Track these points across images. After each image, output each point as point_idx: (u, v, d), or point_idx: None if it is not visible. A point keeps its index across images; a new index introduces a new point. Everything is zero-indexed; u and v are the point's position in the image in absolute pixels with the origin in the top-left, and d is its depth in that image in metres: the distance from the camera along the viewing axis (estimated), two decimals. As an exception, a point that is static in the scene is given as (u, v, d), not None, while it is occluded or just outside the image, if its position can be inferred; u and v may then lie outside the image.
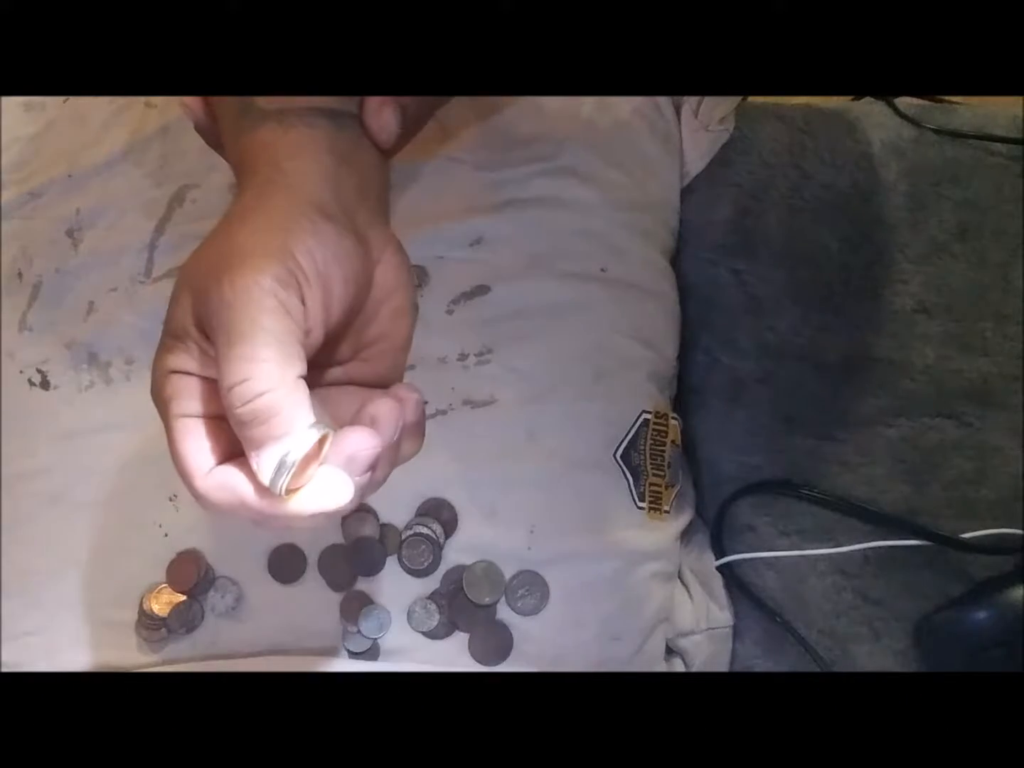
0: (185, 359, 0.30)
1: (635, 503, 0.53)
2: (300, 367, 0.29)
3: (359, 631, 0.50)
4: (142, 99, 0.60)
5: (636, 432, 0.53)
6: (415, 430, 0.33)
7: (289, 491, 0.28)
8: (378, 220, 0.34)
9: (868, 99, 0.62)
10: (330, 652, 0.50)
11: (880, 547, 0.53)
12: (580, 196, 0.56)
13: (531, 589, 0.51)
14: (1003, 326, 0.57)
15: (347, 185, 0.33)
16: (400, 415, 0.30)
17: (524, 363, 0.53)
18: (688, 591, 0.56)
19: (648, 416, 0.54)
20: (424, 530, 0.50)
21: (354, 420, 0.30)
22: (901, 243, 0.58)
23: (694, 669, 0.55)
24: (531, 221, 0.55)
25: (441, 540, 0.51)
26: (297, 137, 0.33)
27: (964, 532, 0.53)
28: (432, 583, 0.51)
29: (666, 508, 0.54)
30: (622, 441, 0.53)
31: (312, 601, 0.51)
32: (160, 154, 0.58)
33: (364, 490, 0.30)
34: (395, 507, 0.52)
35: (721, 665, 0.56)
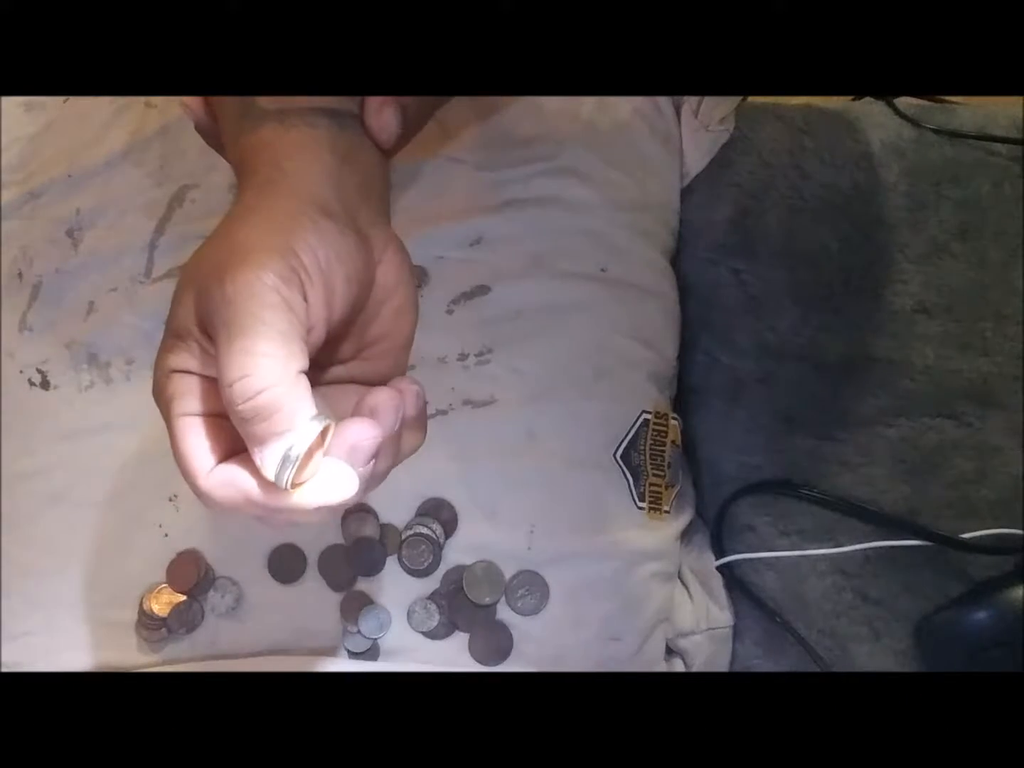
0: (187, 359, 0.30)
1: (635, 503, 0.53)
2: (302, 362, 0.29)
3: (359, 631, 0.50)
4: (142, 99, 0.60)
5: (636, 432, 0.53)
6: (416, 423, 0.33)
7: (295, 485, 0.28)
8: (379, 219, 0.34)
9: (868, 99, 0.62)
10: (330, 652, 0.50)
11: (880, 547, 0.53)
12: (580, 196, 0.56)
13: (531, 589, 0.51)
14: (1003, 326, 0.57)
15: (348, 184, 0.33)
16: (400, 405, 0.30)
17: (524, 363, 0.53)
18: (688, 591, 0.56)
19: (648, 416, 0.54)
20: (424, 530, 0.50)
21: (354, 411, 0.30)
22: (901, 243, 0.58)
23: (694, 669, 0.55)
24: (531, 221, 0.55)
25: (441, 540, 0.51)
26: (298, 137, 0.33)
27: (964, 532, 0.53)
28: (432, 583, 0.51)
29: (666, 508, 0.54)
30: (622, 441, 0.53)
31: (312, 601, 0.51)
32: (160, 154, 0.58)
33: (367, 483, 0.30)
34: (395, 507, 0.52)
35: (721, 665, 0.56)
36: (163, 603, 0.51)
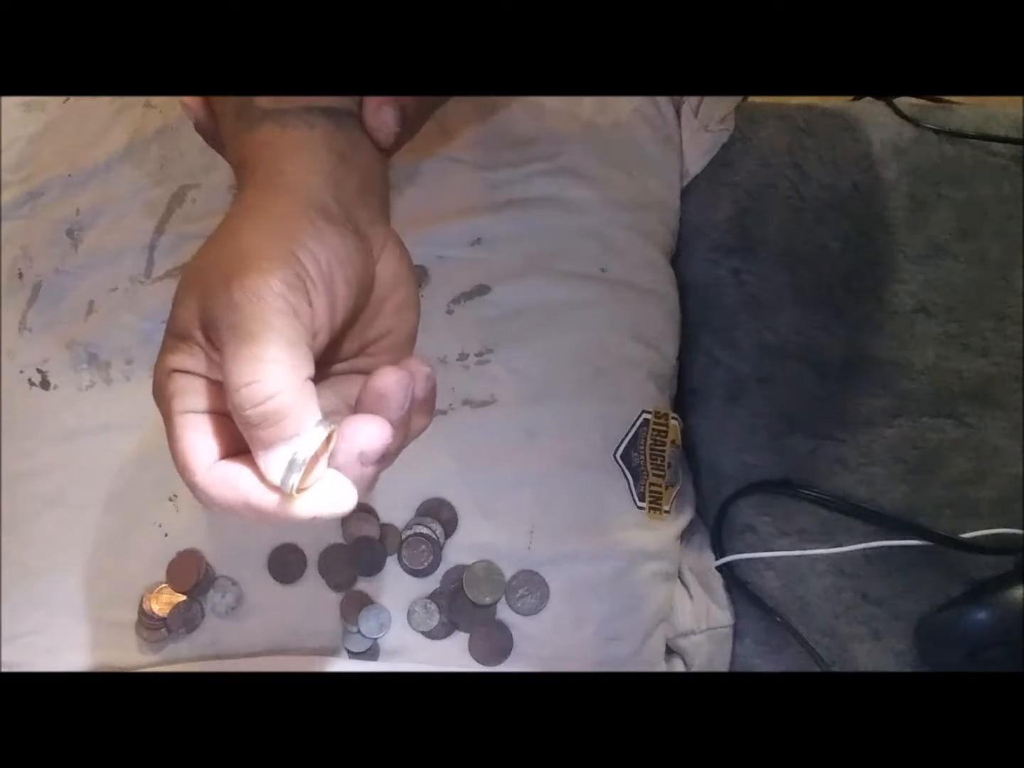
0: (188, 359, 0.30)
1: (635, 503, 0.53)
2: (309, 369, 0.29)
3: (359, 631, 0.50)
4: (142, 99, 0.60)
5: (636, 432, 0.53)
6: (425, 406, 0.32)
7: (300, 490, 0.28)
8: (378, 218, 0.34)
9: (868, 99, 0.62)
10: (330, 652, 0.50)
11: (880, 547, 0.53)
12: (580, 196, 0.56)
13: (531, 589, 0.51)
14: (1003, 326, 0.57)
15: (347, 184, 0.33)
16: (409, 386, 0.30)
17: (524, 363, 0.53)
18: (688, 591, 0.56)
19: (648, 416, 0.54)
20: (424, 530, 0.50)
21: (361, 393, 0.30)
22: (901, 243, 0.58)
23: (694, 669, 0.55)
24: (531, 221, 0.55)
25: (441, 540, 0.51)
26: (297, 136, 0.33)
27: (964, 532, 0.53)
28: (432, 583, 0.51)
29: (666, 508, 0.54)
30: (622, 441, 0.53)
31: (312, 601, 0.51)
32: (160, 154, 0.58)
33: (377, 475, 0.30)
34: (395, 507, 0.52)
35: (721, 665, 0.56)
36: (163, 603, 0.51)
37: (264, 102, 0.33)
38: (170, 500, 0.52)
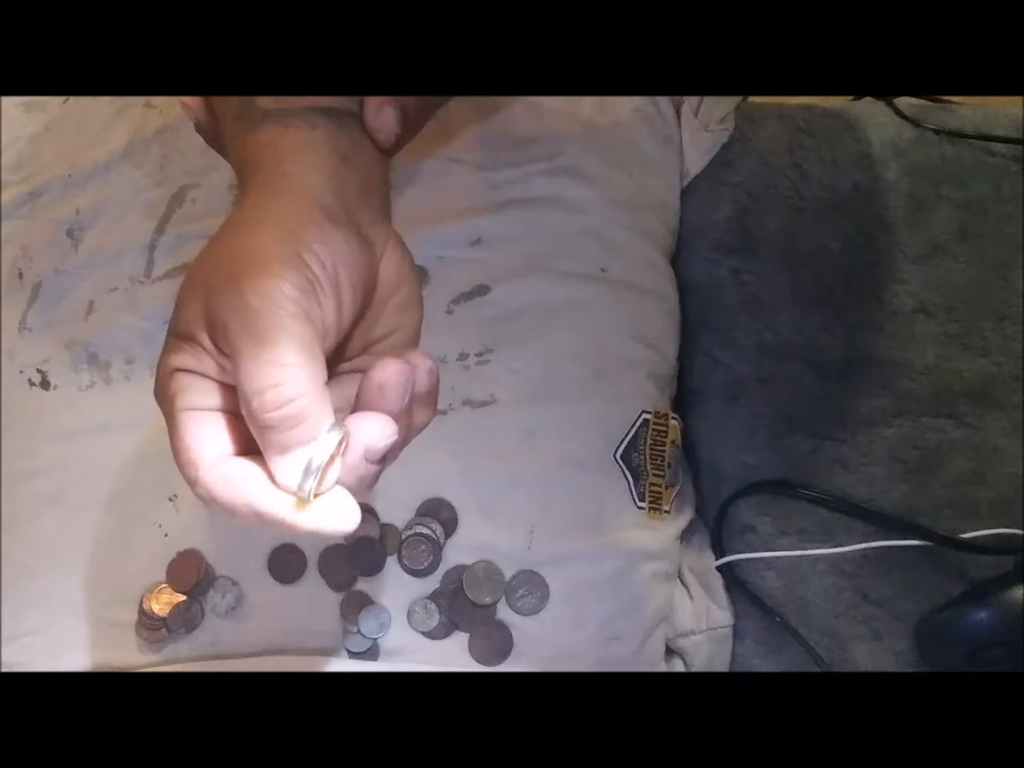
0: (191, 359, 0.30)
1: (635, 503, 0.53)
2: (324, 373, 0.29)
3: (359, 631, 0.50)
4: (142, 99, 0.60)
5: (636, 432, 0.53)
6: (427, 399, 0.32)
7: (316, 495, 0.28)
8: (380, 219, 0.35)
9: (868, 99, 0.62)
10: (330, 652, 0.50)
11: (880, 547, 0.53)
12: (580, 196, 0.56)
13: (531, 589, 0.51)
14: (1003, 326, 0.57)
15: (349, 185, 0.33)
16: (409, 378, 0.30)
17: (524, 363, 0.53)
18: (688, 591, 0.56)
19: (648, 416, 0.54)
20: (424, 530, 0.50)
21: (361, 386, 0.30)
22: (901, 243, 0.58)
23: (694, 669, 0.55)
24: (531, 221, 0.55)
25: (441, 540, 0.51)
26: (299, 137, 0.33)
27: (964, 532, 0.53)
28: (432, 583, 0.51)
29: (666, 508, 0.54)
30: (622, 441, 0.53)
31: (312, 601, 0.51)
32: (160, 154, 0.58)
33: (380, 472, 0.30)
34: (395, 507, 0.52)
35: (721, 665, 0.56)
36: (163, 603, 0.51)
37: (266, 102, 0.33)
38: (170, 500, 0.52)
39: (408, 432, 0.32)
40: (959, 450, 0.55)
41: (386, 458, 0.30)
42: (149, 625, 0.51)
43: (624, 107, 0.58)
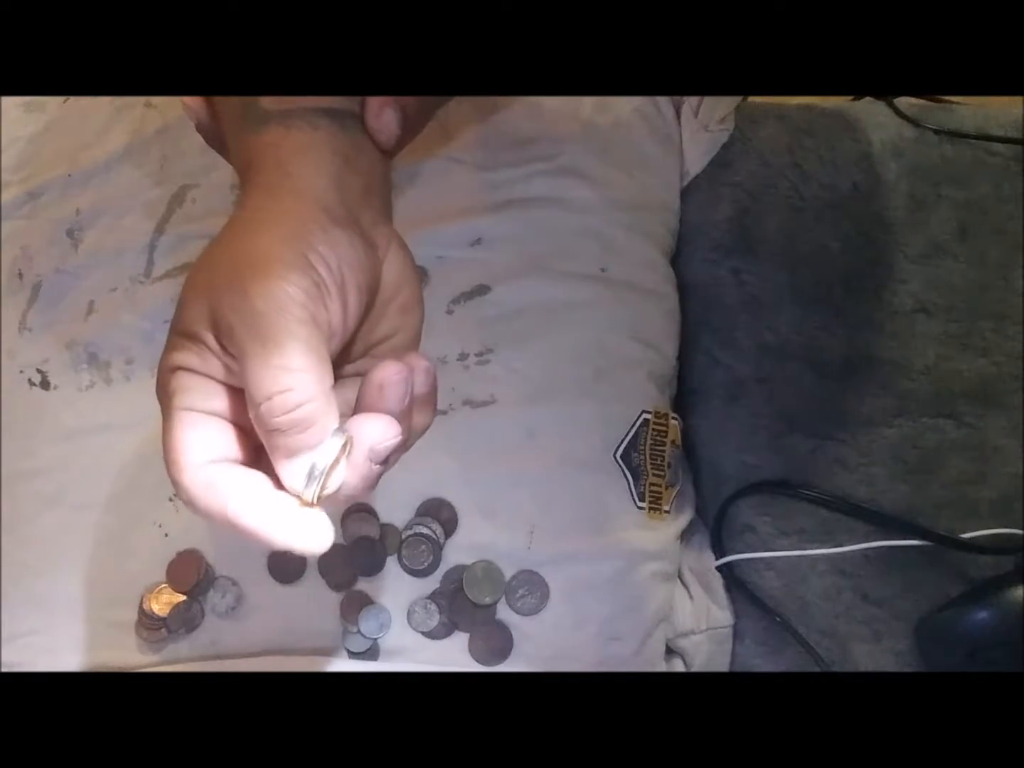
0: (194, 359, 0.30)
1: (635, 503, 0.53)
2: (331, 377, 0.29)
3: (359, 631, 0.50)
4: (142, 99, 0.60)
5: (636, 432, 0.53)
6: (427, 401, 0.33)
7: (320, 499, 0.29)
8: (381, 219, 0.34)
9: (868, 99, 0.62)
10: (330, 652, 0.50)
11: (880, 547, 0.53)
12: (580, 196, 0.56)
13: (531, 589, 0.51)
14: (1003, 326, 0.57)
15: (352, 186, 0.33)
16: (408, 378, 0.30)
17: (524, 363, 0.53)
18: (688, 591, 0.56)
19: (648, 416, 0.54)
20: (424, 530, 0.50)
21: (362, 387, 0.30)
22: (901, 243, 0.58)
23: (694, 669, 0.55)
24: (531, 221, 0.55)
25: (441, 540, 0.51)
26: (302, 138, 0.32)
27: (964, 532, 0.53)
28: (432, 583, 0.51)
29: (666, 508, 0.54)
30: (622, 441, 0.53)
31: (312, 601, 0.51)
32: (160, 154, 0.58)
33: (381, 474, 0.31)
34: (395, 507, 0.52)
35: (721, 665, 0.56)
36: (163, 603, 0.51)
37: (268, 103, 0.33)
38: (170, 500, 0.52)
39: (409, 435, 0.32)
40: (959, 450, 0.55)
41: (389, 459, 0.30)
42: (149, 625, 0.51)
43: (624, 107, 0.58)
